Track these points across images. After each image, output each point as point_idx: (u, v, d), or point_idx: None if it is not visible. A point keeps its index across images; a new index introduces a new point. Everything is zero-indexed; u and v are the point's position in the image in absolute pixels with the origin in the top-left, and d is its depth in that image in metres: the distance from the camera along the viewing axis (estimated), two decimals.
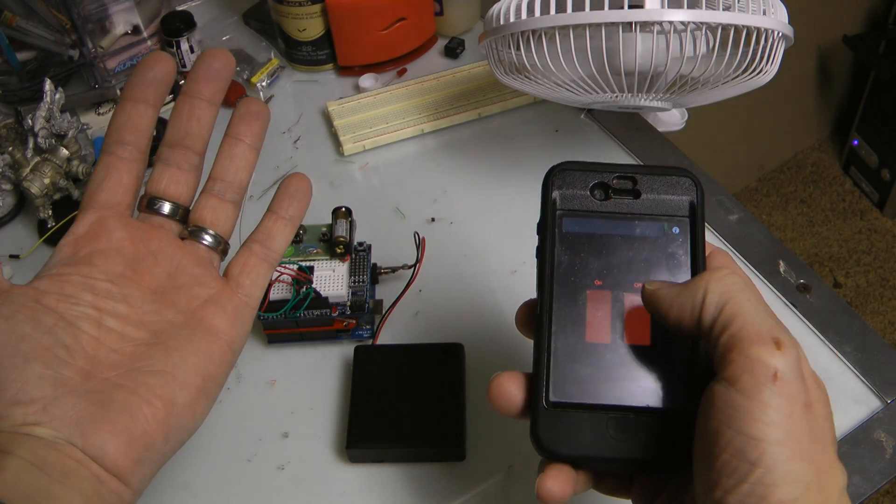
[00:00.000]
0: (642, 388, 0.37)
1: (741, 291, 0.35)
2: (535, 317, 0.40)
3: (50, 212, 0.72)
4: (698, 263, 0.39)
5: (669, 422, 0.37)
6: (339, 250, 0.61)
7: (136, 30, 0.84)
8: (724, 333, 0.34)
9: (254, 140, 0.47)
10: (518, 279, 0.65)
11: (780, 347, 0.33)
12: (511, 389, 0.39)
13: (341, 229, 0.61)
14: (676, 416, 0.37)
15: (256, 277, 0.46)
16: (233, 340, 0.44)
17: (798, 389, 0.33)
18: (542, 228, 0.41)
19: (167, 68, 0.45)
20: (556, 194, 0.41)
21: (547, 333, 0.39)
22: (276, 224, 0.47)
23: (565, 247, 0.40)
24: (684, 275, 0.39)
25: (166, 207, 0.46)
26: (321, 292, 0.59)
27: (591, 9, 0.55)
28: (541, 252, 0.40)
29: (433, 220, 0.70)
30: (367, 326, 0.62)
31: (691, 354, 0.38)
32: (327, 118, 0.80)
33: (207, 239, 0.46)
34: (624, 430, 0.37)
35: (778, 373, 0.33)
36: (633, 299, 0.39)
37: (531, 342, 0.61)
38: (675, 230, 0.40)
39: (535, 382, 0.38)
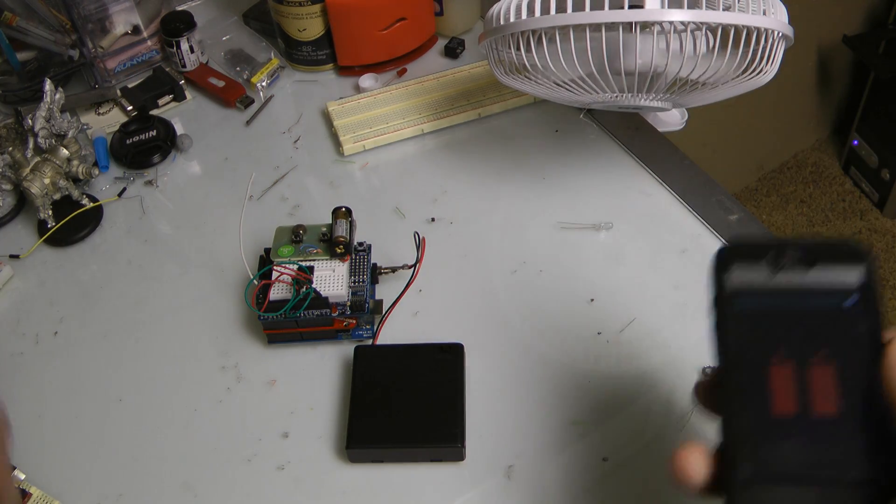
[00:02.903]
0: (838, 459, 0.36)
1: None
2: (719, 393, 0.39)
3: (50, 212, 0.72)
4: (878, 332, 0.38)
5: (873, 493, 0.35)
6: (339, 250, 0.61)
7: (136, 30, 0.84)
8: None
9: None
10: (518, 279, 0.65)
11: None
12: (695, 465, 0.37)
13: (341, 229, 0.61)
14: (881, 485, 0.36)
15: None
16: None
17: None
18: (717, 307, 0.41)
19: None
20: (728, 272, 0.41)
21: (735, 409, 0.38)
22: None
23: (741, 324, 0.40)
24: (864, 346, 0.38)
25: None
26: (321, 292, 0.59)
27: (591, 9, 0.55)
28: (719, 331, 0.40)
29: (433, 220, 0.70)
30: (367, 326, 0.62)
31: (876, 420, 0.37)
32: (327, 118, 0.80)
33: None
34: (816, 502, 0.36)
35: None
36: (817, 369, 0.38)
37: (531, 342, 0.61)
38: (852, 300, 0.39)
39: (728, 458, 0.37)
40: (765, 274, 0.40)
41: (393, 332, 0.62)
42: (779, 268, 0.40)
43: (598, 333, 0.61)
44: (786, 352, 0.39)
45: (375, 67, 0.84)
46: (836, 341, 0.38)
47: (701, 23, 0.55)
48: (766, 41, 0.57)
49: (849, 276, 0.39)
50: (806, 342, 0.39)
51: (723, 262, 0.41)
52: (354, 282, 0.61)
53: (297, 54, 0.84)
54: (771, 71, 0.59)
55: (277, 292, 0.60)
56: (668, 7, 0.56)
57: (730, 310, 0.40)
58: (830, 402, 0.37)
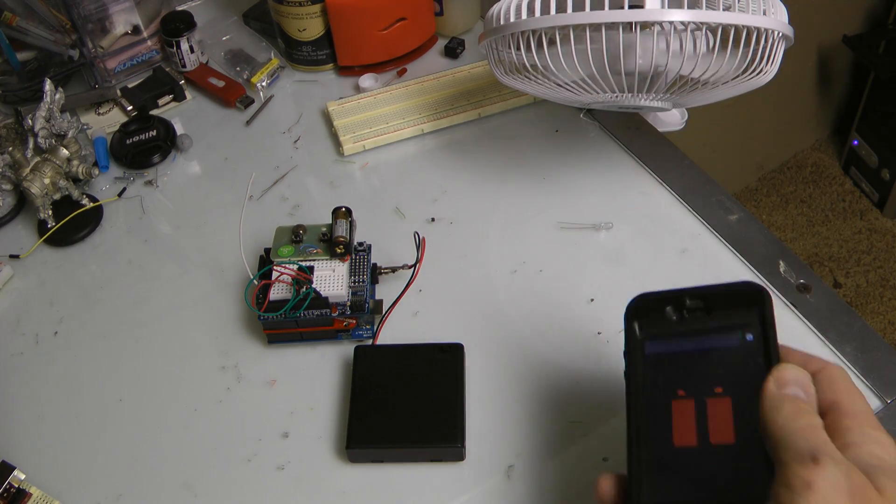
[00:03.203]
0: (728, 485, 0.39)
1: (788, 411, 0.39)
2: (627, 428, 0.43)
3: (50, 212, 0.72)
4: (771, 365, 0.41)
5: None
6: (339, 250, 0.61)
7: (136, 30, 0.84)
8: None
9: None
10: (518, 279, 0.65)
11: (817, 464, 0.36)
12: (607, 490, 0.43)
13: (341, 229, 0.61)
14: None
15: None
16: None
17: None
18: (627, 353, 0.45)
19: None
20: (636, 323, 0.45)
21: (638, 441, 0.42)
22: None
23: (650, 366, 0.44)
24: (759, 381, 0.40)
25: None
26: (321, 292, 0.59)
27: (592, 9, 0.55)
28: (628, 374, 0.45)
29: (433, 220, 0.70)
30: (367, 326, 0.62)
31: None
32: (327, 118, 0.80)
33: None
34: None
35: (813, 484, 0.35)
36: (715, 403, 0.41)
37: (531, 342, 0.61)
38: (749, 337, 0.42)
39: (631, 485, 0.41)
40: (670, 322, 0.45)
41: (393, 332, 0.62)
42: (682, 315, 0.45)
43: (598, 333, 0.61)
44: (687, 389, 0.42)
45: (375, 67, 0.84)
46: (732, 376, 0.42)
47: (701, 23, 0.55)
48: (766, 41, 0.57)
49: (746, 316, 0.43)
50: (705, 379, 0.42)
51: (632, 313, 0.46)
52: (354, 282, 0.61)
53: (297, 54, 0.84)
54: (771, 71, 0.59)
55: (277, 292, 0.60)
56: (668, 7, 0.56)
57: (639, 355, 0.45)
58: (727, 432, 0.40)
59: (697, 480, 0.40)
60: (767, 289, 0.44)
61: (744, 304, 0.43)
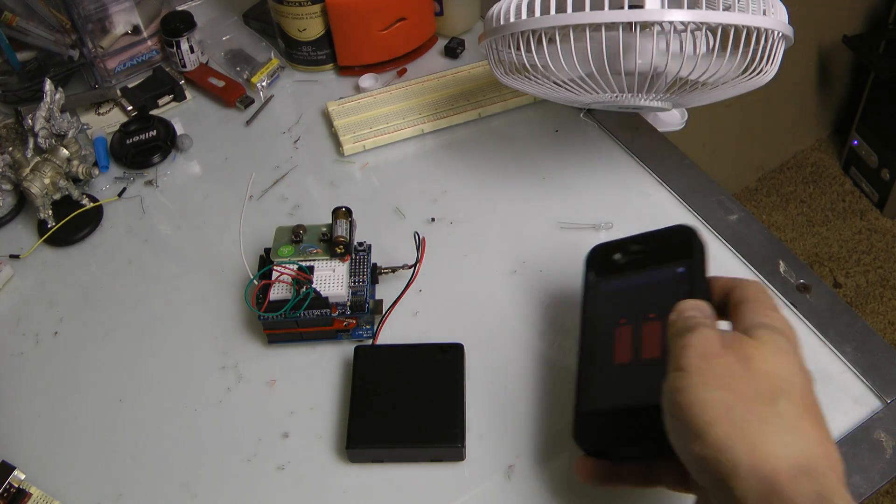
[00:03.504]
0: (650, 390, 0.45)
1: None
2: (578, 352, 0.52)
3: (50, 212, 0.72)
4: (696, 292, 0.49)
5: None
6: (339, 250, 0.61)
7: (136, 30, 0.84)
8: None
9: None
10: (518, 279, 0.65)
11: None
12: (586, 465, 0.50)
13: (341, 229, 0.61)
14: None
15: None
16: None
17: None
18: (584, 292, 0.54)
19: None
20: (592, 269, 0.55)
21: (585, 361, 0.51)
22: None
23: (600, 301, 0.53)
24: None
25: None
26: (321, 292, 0.59)
27: (591, 9, 0.55)
28: (583, 309, 0.54)
29: (433, 220, 0.70)
30: (367, 326, 0.62)
31: None
32: (327, 118, 0.80)
33: None
34: (639, 423, 0.47)
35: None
36: (649, 327, 0.49)
37: (531, 342, 0.61)
38: (680, 270, 0.50)
39: (577, 397, 0.50)
40: (619, 265, 0.54)
41: (393, 332, 0.62)
42: (628, 258, 0.53)
43: None
44: (628, 317, 0.51)
45: (375, 67, 0.84)
46: (663, 303, 0.48)
47: (701, 23, 0.55)
48: (766, 41, 0.57)
49: (679, 252, 0.51)
50: (643, 307, 0.50)
51: (589, 261, 0.55)
52: (354, 282, 0.61)
53: (297, 54, 0.84)
54: (771, 71, 0.59)
55: (277, 292, 0.60)
56: (668, 7, 0.56)
57: (592, 292, 0.54)
58: (655, 348, 0.48)
59: (629, 389, 0.48)
60: (697, 229, 0.51)
61: (677, 243, 0.51)
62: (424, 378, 0.57)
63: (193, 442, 0.59)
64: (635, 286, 0.52)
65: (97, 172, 0.75)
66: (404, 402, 0.56)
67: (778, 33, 0.57)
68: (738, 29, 0.56)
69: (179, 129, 0.80)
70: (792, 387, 0.42)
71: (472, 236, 0.69)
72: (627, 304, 0.51)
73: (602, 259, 0.54)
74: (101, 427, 0.60)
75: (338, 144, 0.77)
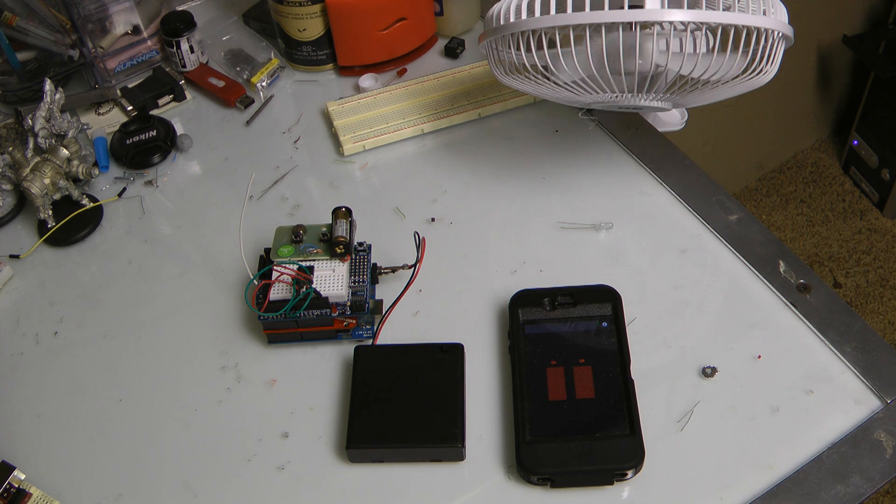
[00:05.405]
0: (590, 423, 0.54)
1: None
2: (513, 390, 0.57)
3: (50, 212, 0.72)
4: (623, 347, 0.57)
5: (610, 442, 0.54)
6: (339, 250, 0.61)
7: (136, 30, 0.84)
8: None
9: None
10: (518, 279, 0.65)
11: None
12: None
13: (341, 229, 0.61)
14: (616, 438, 0.54)
15: None
16: None
17: None
18: (511, 333, 0.59)
19: None
20: (519, 310, 0.60)
21: (522, 396, 0.56)
22: None
23: (529, 343, 0.59)
24: (613, 355, 0.57)
25: None
26: (321, 292, 0.59)
27: (591, 9, 0.55)
28: (512, 349, 0.59)
29: (433, 220, 0.70)
30: (367, 326, 0.62)
31: (622, 399, 0.55)
32: (327, 118, 0.80)
33: None
34: (580, 451, 0.53)
35: None
36: (580, 370, 0.57)
37: None
38: (605, 324, 0.59)
39: (517, 428, 0.55)
40: (545, 310, 0.60)
41: (393, 332, 0.62)
42: (553, 306, 0.60)
43: None
44: (558, 359, 0.58)
45: (375, 67, 0.84)
46: (592, 351, 0.58)
47: (701, 23, 0.55)
48: (766, 41, 0.57)
49: (602, 308, 0.60)
50: (572, 352, 0.58)
51: (516, 303, 0.60)
52: (354, 282, 0.61)
53: (297, 54, 0.84)
54: (771, 71, 0.59)
55: (277, 292, 0.60)
56: (668, 7, 0.56)
57: (521, 334, 0.59)
58: (589, 390, 0.56)
59: (567, 423, 0.55)
60: (618, 291, 0.60)
61: (601, 299, 0.60)
62: (424, 378, 0.57)
63: (193, 442, 0.59)
64: (563, 333, 0.59)
65: (97, 172, 0.75)
66: (404, 402, 0.56)
67: (778, 33, 0.57)
68: (738, 29, 0.56)
69: (179, 129, 0.80)
70: None
71: (472, 236, 0.69)
72: (557, 348, 0.58)
73: (529, 304, 0.60)
74: (101, 427, 0.60)
75: (338, 144, 0.77)
